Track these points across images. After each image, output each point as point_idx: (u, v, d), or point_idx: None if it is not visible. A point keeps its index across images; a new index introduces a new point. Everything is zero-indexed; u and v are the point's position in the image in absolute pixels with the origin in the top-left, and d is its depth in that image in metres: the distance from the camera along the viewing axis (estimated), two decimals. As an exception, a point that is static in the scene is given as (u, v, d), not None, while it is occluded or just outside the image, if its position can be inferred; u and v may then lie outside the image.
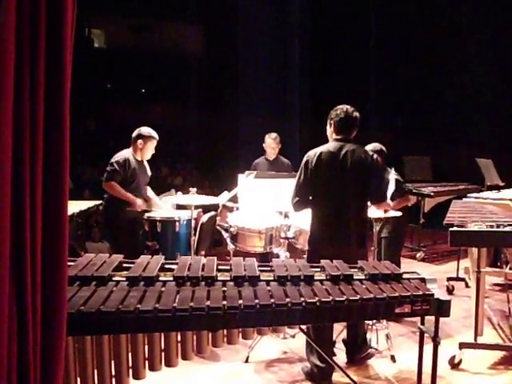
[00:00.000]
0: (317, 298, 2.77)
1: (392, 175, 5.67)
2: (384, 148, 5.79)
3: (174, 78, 17.62)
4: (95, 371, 2.57)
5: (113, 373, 2.60)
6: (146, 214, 5.75)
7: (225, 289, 2.82)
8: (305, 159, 4.29)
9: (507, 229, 4.31)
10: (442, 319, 3.05)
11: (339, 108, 4.36)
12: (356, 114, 4.35)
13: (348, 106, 4.36)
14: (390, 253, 5.77)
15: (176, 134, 17.41)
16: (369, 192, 4.31)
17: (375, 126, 13.07)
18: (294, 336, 4.90)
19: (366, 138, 5.05)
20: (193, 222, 5.44)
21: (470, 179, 9.15)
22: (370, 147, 5.66)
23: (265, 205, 5.49)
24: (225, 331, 2.76)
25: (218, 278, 2.92)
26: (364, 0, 13.56)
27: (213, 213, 5.99)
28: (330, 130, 4.41)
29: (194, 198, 5.40)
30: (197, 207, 5.62)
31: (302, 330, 3.89)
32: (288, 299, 2.73)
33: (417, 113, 13.02)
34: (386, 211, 4.83)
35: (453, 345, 4.66)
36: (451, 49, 11.72)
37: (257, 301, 2.69)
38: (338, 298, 2.80)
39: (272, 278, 2.98)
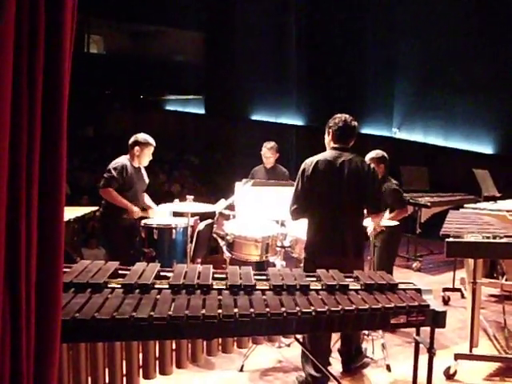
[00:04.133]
0: (312, 308, 2.76)
1: (392, 185, 5.69)
2: (386, 155, 5.80)
3: (173, 84, 17.65)
4: (89, 378, 2.56)
5: (107, 380, 2.59)
6: (143, 221, 5.74)
7: (220, 297, 2.81)
8: (302, 167, 4.28)
9: (504, 240, 4.32)
10: (437, 330, 3.04)
11: (337, 117, 4.36)
12: (354, 123, 4.36)
13: (346, 115, 4.37)
14: (382, 262, 5.73)
15: (174, 141, 17.45)
16: (365, 202, 4.31)
17: (371, 135, 13.11)
18: (289, 345, 4.89)
19: (363, 147, 5.05)
20: (189, 229, 5.44)
21: (466, 190, 9.15)
22: (372, 154, 5.68)
23: (261, 213, 5.48)
24: (220, 340, 2.75)
25: (214, 287, 2.92)
26: (360, 21, 13.62)
27: (209, 220, 5.99)
28: (327, 139, 4.41)
29: (190, 205, 5.40)
30: (193, 215, 5.63)
31: (297, 339, 3.87)
32: (283, 308, 2.73)
33: (413, 122, 13.05)
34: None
35: (448, 356, 4.65)
36: (451, 60, 11.76)
37: (252, 310, 2.69)
38: (333, 308, 2.79)
39: (268, 287, 2.97)
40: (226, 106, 17.32)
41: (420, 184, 9.89)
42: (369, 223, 4.77)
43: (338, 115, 4.38)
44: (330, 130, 4.37)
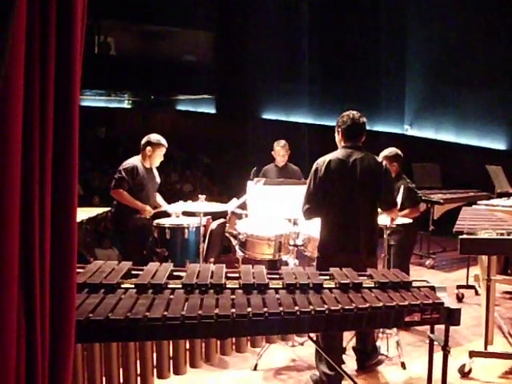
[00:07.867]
0: (326, 307, 2.76)
1: (407, 183, 5.66)
2: (400, 153, 5.77)
3: (184, 84, 17.65)
4: (104, 379, 2.57)
5: (121, 380, 2.60)
6: (155, 221, 5.75)
7: (233, 296, 2.81)
8: (314, 167, 4.28)
9: (517, 236, 4.28)
10: (451, 327, 3.02)
11: (345, 115, 4.35)
12: (363, 119, 4.34)
13: (354, 112, 4.34)
14: (398, 260, 5.73)
15: (185, 141, 17.47)
16: (378, 199, 4.30)
17: (383, 132, 13.06)
18: (302, 344, 4.88)
19: (374, 144, 5.02)
20: (202, 229, 5.45)
21: (479, 186, 9.09)
22: (385, 152, 5.67)
23: (274, 212, 5.47)
24: (233, 339, 2.75)
25: (227, 286, 2.92)
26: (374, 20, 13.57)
27: (222, 220, 5.99)
28: (338, 138, 4.41)
29: (203, 204, 5.41)
30: (206, 214, 5.63)
31: (310, 337, 3.86)
32: (297, 307, 2.73)
33: (424, 119, 12.98)
34: (392, 220, 4.81)
35: (463, 353, 4.63)
36: (462, 56, 11.70)
37: (265, 309, 2.68)
38: (347, 307, 2.78)
39: (281, 286, 2.97)
40: (237, 106, 17.30)
41: (432, 181, 9.85)
42: (384, 219, 4.75)
43: (346, 113, 4.36)
44: (340, 129, 4.36)
